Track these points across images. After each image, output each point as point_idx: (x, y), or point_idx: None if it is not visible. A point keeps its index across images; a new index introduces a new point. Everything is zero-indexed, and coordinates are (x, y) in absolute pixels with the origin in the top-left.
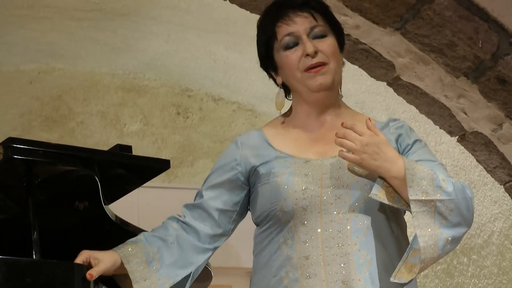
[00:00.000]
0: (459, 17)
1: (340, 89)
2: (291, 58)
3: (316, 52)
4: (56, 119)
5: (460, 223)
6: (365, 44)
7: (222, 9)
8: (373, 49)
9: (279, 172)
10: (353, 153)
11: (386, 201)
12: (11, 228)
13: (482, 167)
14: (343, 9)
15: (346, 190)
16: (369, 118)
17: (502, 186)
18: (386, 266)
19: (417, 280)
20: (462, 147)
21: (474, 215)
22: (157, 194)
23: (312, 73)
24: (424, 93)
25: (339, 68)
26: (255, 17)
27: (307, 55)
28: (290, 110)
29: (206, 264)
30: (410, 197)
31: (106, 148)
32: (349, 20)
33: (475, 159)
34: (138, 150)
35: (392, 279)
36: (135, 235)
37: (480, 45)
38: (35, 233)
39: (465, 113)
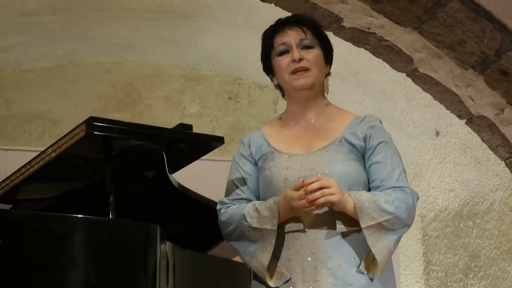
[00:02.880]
0: (468, 18)
1: (326, 93)
2: (282, 63)
3: (301, 59)
4: (128, 102)
5: (403, 227)
6: (388, 41)
7: (268, 10)
8: (395, 45)
9: (268, 165)
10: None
11: (349, 229)
12: (92, 193)
13: (486, 146)
14: (370, 12)
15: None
16: (318, 176)
17: (503, 161)
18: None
19: (429, 240)
20: (470, 129)
21: (479, 186)
22: (212, 165)
23: (296, 75)
24: (437, 82)
25: (320, 74)
26: None
27: (294, 60)
28: (284, 112)
29: None
30: (362, 226)
31: (170, 127)
32: (375, 21)
33: (480, 139)
34: (196, 129)
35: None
36: (195, 199)
37: (486, 43)
38: (111, 197)
39: (472, 100)
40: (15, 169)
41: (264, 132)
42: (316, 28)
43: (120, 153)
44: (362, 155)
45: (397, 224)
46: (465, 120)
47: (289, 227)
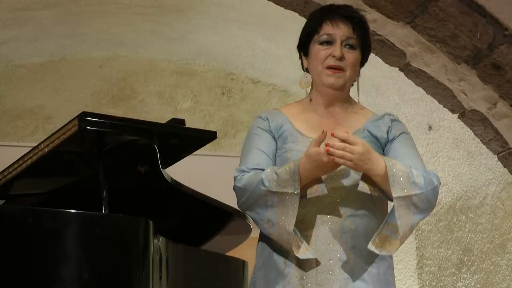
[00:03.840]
0: (460, 13)
1: (358, 95)
2: (321, 53)
3: (341, 58)
4: (121, 97)
5: (427, 208)
6: (381, 35)
7: (261, 6)
8: (387, 39)
9: (289, 147)
10: (348, 160)
11: (370, 192)
12: (85, 187)
13: (479, 140)
14: (363, 6)
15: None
16: (347, 132)
17: (496, 155)
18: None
19: (422, 234)
20: (462, 123)
21: (472, 180)
22: (205, 160)
23: (330, 72)
24: (430, 77)
25: (352, 76)
26: (289, 13)
27: (334, 56)
28: (307, 97)
29: (246, 219)
30: (394, 195)
31: (163, 122)
32: (367, 15)
33: (473, 133)
34: (189, 124)
35: (368, 247)
36: (188, 194)
37: (478, 37)
38: (104, 191)
39: (465, 94)
40: (8, 165)
41: (284, 112)
42: (364, 30)
43: (113, 148)
44: (383, 148)
45: (423, 203)
46: (457, 114)
47: (310, 192)
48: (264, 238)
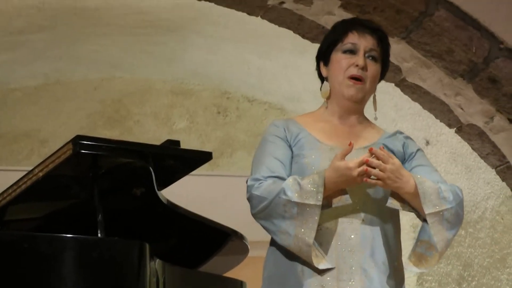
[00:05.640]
0: (455, 27)
1: (375, 110)
2: (344, 62)
3: (363, 68)
4: (117, 119)
5: (457, 222)
6: None
7: (255, 24)
8: None
9: (307, 154)
10: (379, 179)
11: (400, 208)
12: (80, 211)
13: (477, 154)
14: None
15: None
16: (383, 147)
17: (494, 169)
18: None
19: None
20: (460, 137)
21: (470, 195)
22: (202, 181)
23: (352, 82)
24: (426, 92)
25: (371, 90)
26: (282, 30)
27: (357, 65)
28: (320, 107)
29: (244, 239)
30: (426, 212)
31: (158, 143)
32: None
33: (470, 147)
34: (185, 144)
35: (404, 266)
36: (184, 215)
37: (473, 51)
38: (100, 215)
39: (462, 109)
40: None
41: (299, 121)
42: (386, 45)
43: (108, 170)
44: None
45: (454, 217)
46: (455, 129)
47: (335, 202)
48: (277, 248)
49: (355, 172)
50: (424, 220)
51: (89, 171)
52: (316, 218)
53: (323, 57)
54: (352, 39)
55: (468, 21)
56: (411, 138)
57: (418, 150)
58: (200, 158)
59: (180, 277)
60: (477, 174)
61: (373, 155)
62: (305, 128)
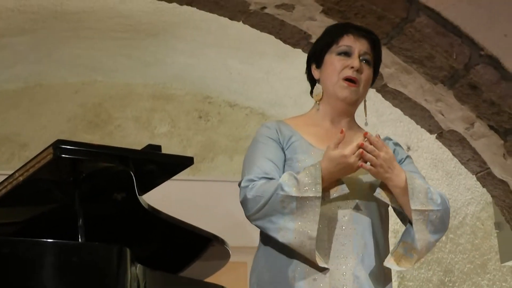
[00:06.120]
0: (436, 33)
1: (366, 115)
2: (338, 63)
3: (358, 70)
4: (97, 123)
5: (442, 229)
6: None
7: (237, 29)
8: None
9: (300, 158)
10: (372, 165)
11: (387, 201)
12: (61, 216)
13: (457, 160)
14: None
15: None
16: (378, 135)
17: (474, 175)
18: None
19: None
20: (440, 143)
21: (451, 200)
22: (183, 185)
23: (346, 84)
24: (407, 98)
25: (364, 94)
26: (264, 35)
27: (352, 67)
28: (311, 110)
29: (225, 244)
30: (412, 207)
31: (139, 148)
32: None
33: (451, 153)
34: (167, 149)
35: (385, 264)
36: (165, 220)
37: (454, 57)
38: (80, 220)
39: (442, 114)
40: None
41: (290, 124)
42: (379, 50)
43: (89, 175)
44: None
45: (439, 222)
46: (435, 134)
47: (332, 193)
48: (266, 254)
49: (351, 159)
50: (409, 222)
51: (70, 175)
52: (317, 209)
53: (315, 59)
54: (348, 41)
55: (449, 27)
56: (400, 145)
57: (407, 157)
58: (181, 163)
59: (161, 282)
60: (458, 180)
61: (367, 140)
62: (297, 131)
